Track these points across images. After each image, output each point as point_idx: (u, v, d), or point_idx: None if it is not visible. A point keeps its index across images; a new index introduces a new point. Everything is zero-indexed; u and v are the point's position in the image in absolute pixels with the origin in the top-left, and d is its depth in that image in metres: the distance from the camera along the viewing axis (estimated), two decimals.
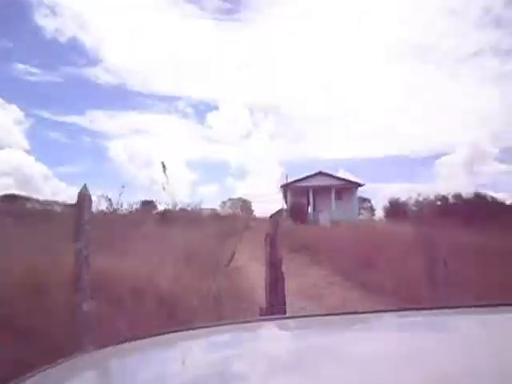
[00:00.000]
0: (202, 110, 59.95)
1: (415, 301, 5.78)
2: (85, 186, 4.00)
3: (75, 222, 3.86)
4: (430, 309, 1.69)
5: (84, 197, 3.95)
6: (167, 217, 10.71)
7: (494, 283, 5.96)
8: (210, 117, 60.24)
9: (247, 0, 57.26)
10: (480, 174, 46.35)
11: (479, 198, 22.70)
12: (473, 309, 1.57)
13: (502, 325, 1.32)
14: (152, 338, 1.35)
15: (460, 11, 50.60)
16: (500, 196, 24.65)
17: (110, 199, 8.68)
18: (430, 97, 48.17)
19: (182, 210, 12.06)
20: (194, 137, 55.97)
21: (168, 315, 4.26)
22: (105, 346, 1.26)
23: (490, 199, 22.94)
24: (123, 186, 8.24)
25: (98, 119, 52.99)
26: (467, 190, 25.06)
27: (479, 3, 47.19)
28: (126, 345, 1.28)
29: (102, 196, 8.60)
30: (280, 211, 5.07)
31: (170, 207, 8.99)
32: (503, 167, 40.85)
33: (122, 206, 9.56)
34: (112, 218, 8.93)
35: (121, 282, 4.88)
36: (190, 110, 57.16)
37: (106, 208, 9.07)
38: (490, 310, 1.49)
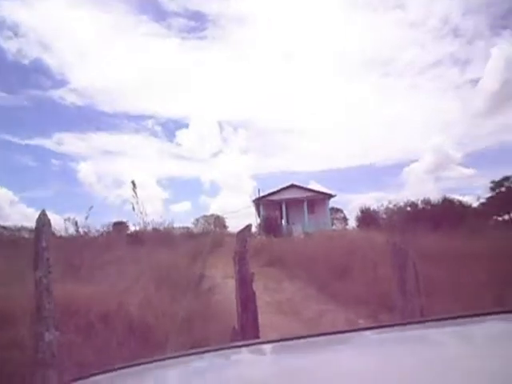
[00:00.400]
0: (171, 128, 59.70)
1: (388, 309, 5.82)
2: (43, 212, 3.86)
3: (34, 250, 3.71)
4: (406, 324, 1.70)
5: (42, 222, 3.81)
6: (139, 237, 10.52)
7: (465, 287, 6.09)
8: (180, 134, 59.89)
9: (212, 18, 57.46)
10: (446, 179, 47.95)
11: (447, 203, 23.38)
12: (449, 321, 1.54)
13: (478, 336, 1.34)
14: (122, 370, 1.29)
15: (419, 23, 52.41)
16: (466, 199, 25.37)
17: (76, 222, 8.48)
18: (393, 108, 49.61)
19: (155, 229, 11.89)
20: (164, 155, 55.45)
21: (139, 341, 4.13)
22: (73, 380, 1.19)
23: (457, 203, 23.65)
24: (91, 207, 8.08)
25: (65, 141, 51.66)
26: (435, 195, 25.71)
27: (437, 14, 48.94)
28: (95, 379, 1.22)
29: (68, 219, 8.41)
30: (248, 227, 5.00)
31: (142, 227, 8.81)
32: (467, 171, 42.26)
33: (89, 228, 9.35)
34: (81, 241, 8.71)
35: (89, 309, 4.72)
36: (158, 129, 56.58)
37: (76, 232, 8.86)
38: (467, 321, 1.48)
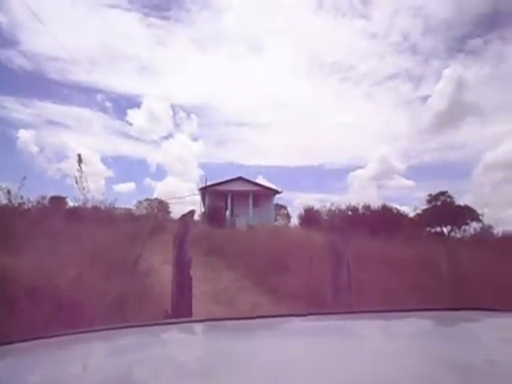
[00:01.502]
0: (122, 106, 57.84)
1: (320, 305, 6.01)
2: None
3: None
4: (335, 313, 1.81)
5: None
6: (77, 214, 10.11)
7: (393, 290, 6.42)
8: (131, 113, 58.17)
9: None
10: (387, 188, 50.14)
11: (386, 210, 24.39)
12: (378, 314, 1.65)
13: (403, 329, 1.41)
14: (48, 339, 1.27)
15: (380, 35, 54.13)
16: (404, 209, 26.61)
17: (9, 191, 8.01)
18: (348, 114, 51.10)
19: (95, 208, 11.46)
20: (111, 132, 53.70)
21: (66, 319, 3.98)
22: None
23: (395, 211, 24.75)
24: (24, 178, 7.66)
25: (8, 106, 48.43)
26: (376, 202, 26.72)
27: (399, 29, 50.83)
28: (16, 345, 1.19)
29: (0, 188, 7.93)
30: (191, 212, 4.97)
31: (81, 204, 8.47)
32: (408, 183, 44.36)
33: (22, 199, 8.85)
34: (13, 212, 8.25)
35: (14, 282, 4.49)
36: (109, 104, 54.58)
37: (9, 201, 8.37)
38: (393, 315, 1.58)
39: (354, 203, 25.89)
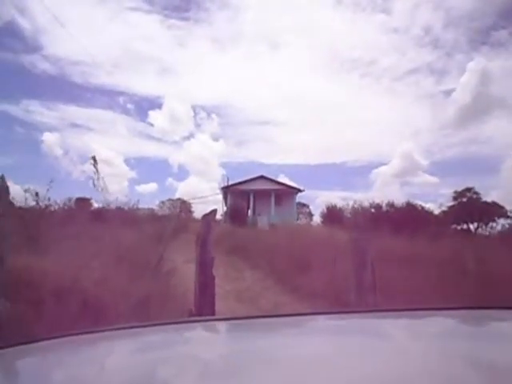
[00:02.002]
0: (144, 107, 58.47)
1: (343, 304, 5.95)
2: (1, 176, 3.70)
3: None
4: (359, 312, 1.80)
5: None
6: (102, 215, 10.29)
7: (419, 289, 6.30)
8: (153, 114, 58.71)
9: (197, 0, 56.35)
10: (411, 185, 49.22)
11: (410, 208, 23.89)
12: (402, 312, 1.61)
13: (428, 328, 1.38)
14: (73, 337, 1.27)
15: (401, 29, 53.23)
16: (429, 206, 25.97)
17: (37, 193, 8.20)
18: (369, 110, 50.18)
19: (119, 208, 11.66)
20: (134, 134, 54.19)
21: (92, 319, 4.05)
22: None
23: (419, 209, 24.23)
24: (51, 181, 7.83)
25: (33, 110, 49.58)
26: (399, 199, 26.20)
27: (420, 23, 49.75)
28: (41, 344, 1.20)
29: (28, 190, 8.12)
30: (214, 211, 5.00)
31: (105, 205, 8.61)
32: (432, 179, 43.38)
33: (49, 201, 9.06)
34: (40, 213, 8.44)
35: (42, 282, 4.60)
36: (131, 106, 55.33)
37: (36, 203, 8.58)
38: (418, 314, 1.55)
39: (377, 201, 25.49)
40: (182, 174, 65.53)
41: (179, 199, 37.94)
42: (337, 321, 1.51)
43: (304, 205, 41.06)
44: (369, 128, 51.36)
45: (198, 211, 33.49)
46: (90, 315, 4.16)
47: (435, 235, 12.89)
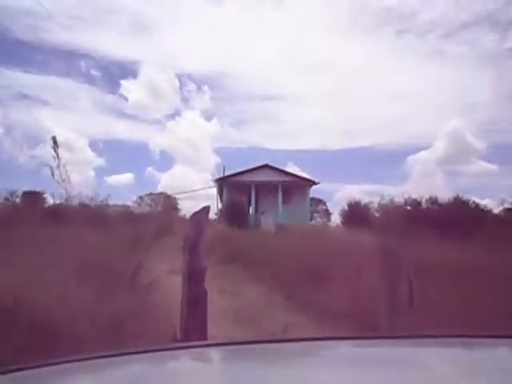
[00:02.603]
0: (114, 75, 58.18)
1: (371, 327, 5.86)
2: None
3: None
4: (392, 337, 1.81)
5: None
6: (59, 214, 10.21)
7: (473, 309, 6.16)
8: (126, 85, 58.56)
9: None
10: (461, 175, 48.11)
11: (460, 204, 23.56)
12: (446, 339, 1.59)
13: (486, 360, 1.34)
14: (33, 370, 1.26)
15: None
16: (485, 202, 25.39)
17: None
18: (406, 77, 49.23)
19: (83, 205, 11.61)
20: (102, 110, 54.10)
21: (44, 347, 3.96)
22: None
23: (472, 206, 23.89)
24: None
25: None
26: (445, 193, 25.74)
27: None
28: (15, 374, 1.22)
29: None
30: (206, 209, 4.91)
31: (65, 201, 8.51)
32: (491, 167, 41.99)
33: None
34: None
35: None
36: (96, 74, 55.02)
37: None
38: (464, 342, 1.53)
39: (414, 195, 25.21)
40: (166, 162, 65.66)
41: (162, 194, 38.18)
42: (362, 348, 1.51)
43: (320, 201, 41.31)
44: (406, 102, 50.82)
45: (186, 209, 33.55)
46: (41, 342, 4.07)
47: (495, 239, 12.71)
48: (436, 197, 24.16)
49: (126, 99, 53.75)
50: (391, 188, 59.33)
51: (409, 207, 24.74)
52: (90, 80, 49.77)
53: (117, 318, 5.06)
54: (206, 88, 57.01)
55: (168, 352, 1.54)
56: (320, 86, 52.17)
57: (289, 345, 1.52)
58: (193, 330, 4.26)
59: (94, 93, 52.66)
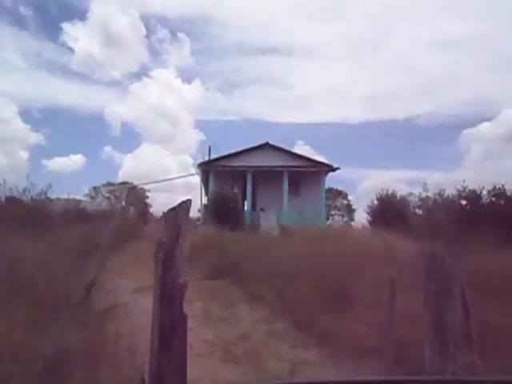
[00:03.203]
0: (53, 16, 56.93)
1: (411, 366, 5.84)
2: None
3: None
4: (439, 382, 1.91)
5: None
6: None
7: None
8: (70, 30, 57.90)
9: None
10: None
11: None
12: None
13: None
14: None
15: None
16: None
17: None
18: (458, 22, 48.44)
19: (12, 200, 11.56)
20: (39, 65, 53.31)
21: None
22: None
23: None
24: None
25: None
26: None
27: None
28: None
29: None
30: (185, 204, 4.87)
31: None
32: None
33: None
34: None
35: None
36: (27, 12, 54.22)
37: None
38: None
39: (471, 184, 25.05)
40: (129, 139, 65.25)
41: (125, 184, 37.97)
42: None
43: (339, 193, 41.37)
44: (458, 53, 50.10)
45: (159, 203, 33.51)
46: None
47: None
48: (503, 187, 23.99)
49: (72, 50, 53.21)
50: (438, 175, 58.57)
51: (464, 202, 24.62)
52: (20, 21, 48.99)
53: (59, 357, 5.00)
54: (183, 36, 56.61)
55: None
56: (339, 35, 51.79)
57: None
58: (167, 374, 4.21)
59: (27, 40, 51.90)
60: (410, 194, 28.61)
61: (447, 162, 50.12)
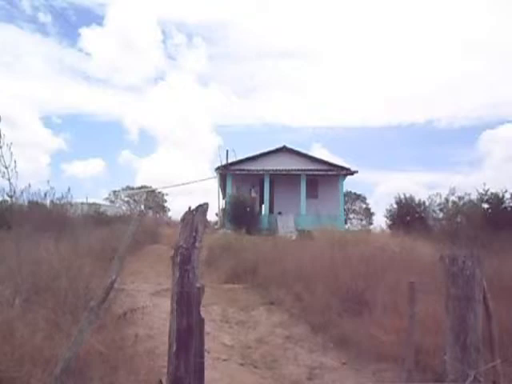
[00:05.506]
0: (72, 21, 57.10)
1: (432, 375, 5.77)
2: None
3: None
4: None
5: None
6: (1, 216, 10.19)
7: None
8: (89, 35, 58.17)
9: None
10: None
11: None
12: None
13: None
14: None
15: None
16: None
17: None
18: (481, 23, 48.14)
19: (33, 204, 11.55)
20: (59, 70, 53.63)
21: None
22: None
23: None
24: None
25: None
26: None
27: None
28: None
29: None
30: (202, 207, 4.83)
31: (9, 198, 8.44)
32: None
33: None
34: None
35: None
36: (49, 20, 54.41)
37: None
38: None
39: (493, 188, 24.72)
40: (146, 143, 65.13)
41: (143, 187, 38.00)
42: None
43: (358, 196, 41.20)
44: (480, 56, 49.77)
45: (177, 208, 33.54)
46: None
47: None
48: None
49: (90, 56, 53.38)
50: (459, 178, 57.76)
51: (486, 205, 24.30)
52: (40, 27, 49.07)
53: (77, 364, 4.97)
54: (199, 41, 56.59)
55: None
56: (359, 37, 51.59)
57: None
58: (185, 377, 4.18)
59: (46, 46, 52.02)
60: (430, 197, 28.27)
61: (467, 165, 49.79)
